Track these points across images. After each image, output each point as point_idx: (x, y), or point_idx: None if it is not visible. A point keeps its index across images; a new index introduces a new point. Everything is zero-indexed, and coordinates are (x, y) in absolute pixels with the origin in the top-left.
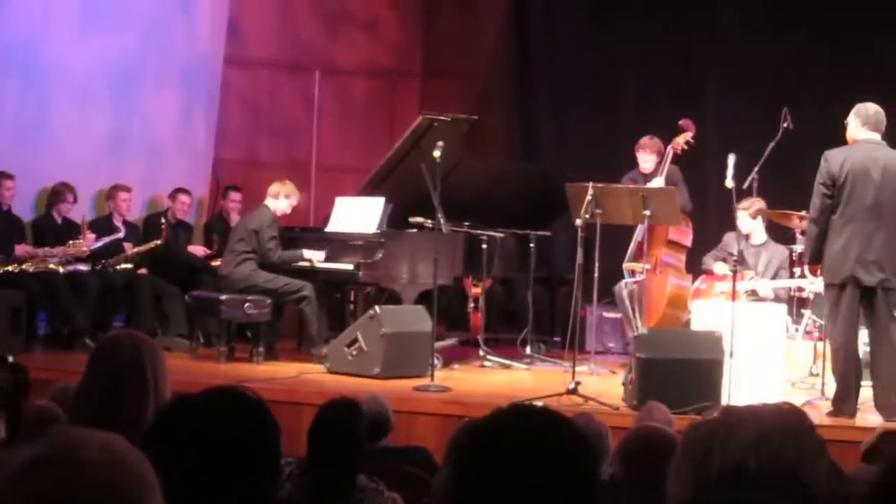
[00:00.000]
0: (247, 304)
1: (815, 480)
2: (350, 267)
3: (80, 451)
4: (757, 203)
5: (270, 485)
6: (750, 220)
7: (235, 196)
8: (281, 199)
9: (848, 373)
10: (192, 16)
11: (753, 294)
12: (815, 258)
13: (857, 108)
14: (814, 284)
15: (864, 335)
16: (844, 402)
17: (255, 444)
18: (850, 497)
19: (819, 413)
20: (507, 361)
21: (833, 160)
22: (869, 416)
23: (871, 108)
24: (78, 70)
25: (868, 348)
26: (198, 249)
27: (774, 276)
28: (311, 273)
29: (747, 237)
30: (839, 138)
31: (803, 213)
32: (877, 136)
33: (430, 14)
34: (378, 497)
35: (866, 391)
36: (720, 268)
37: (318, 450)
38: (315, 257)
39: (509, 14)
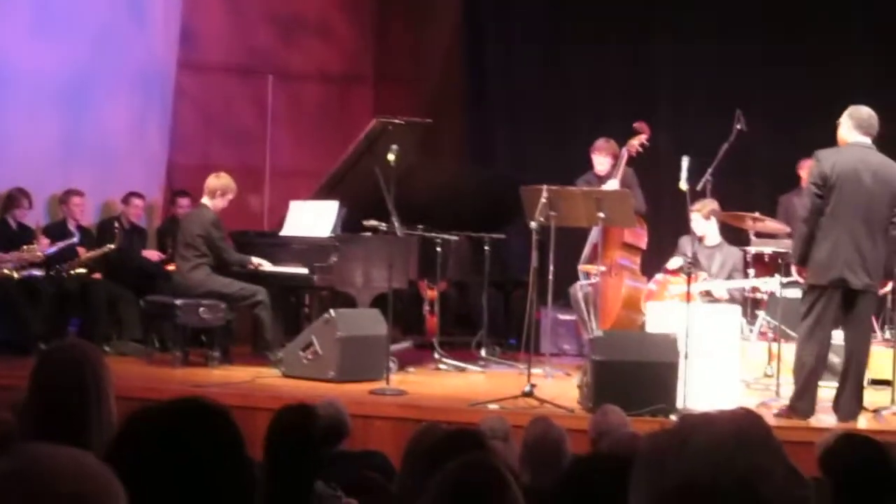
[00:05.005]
0: (202, 309)
1: (770, 486)
2: (305, 271)
3: (48, 465)
4: (710, 204)
5: (240, 496)
6: (703, 221)
7: (184, 202)
8: (218, 199)
9: (815, 373)
10: (145, 21)
11: (708, 295)
12: (802, 259)
13: (850, 110)
14: (767, 285)
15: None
16: (801, 401)
17: (221, 456)
18: (809, 499)
19: (771, 414)
20: (463, 364)
21: (825, 160)
22: (824, 417)
23: (865, 112)
24: (29, 75)
25: (839, 349)
26: (152, 254)
27: (728, 278)
28: (266, 277)
29: (701, 239)
30: (792, 141)
31: (756, 214)
32: (867, 140)
33: (383, 19)
34: (336, 503)
35: (822, 392)
36: (673, 262)
37: (274, 456)
38: (264, 263)
39: (462, 19)
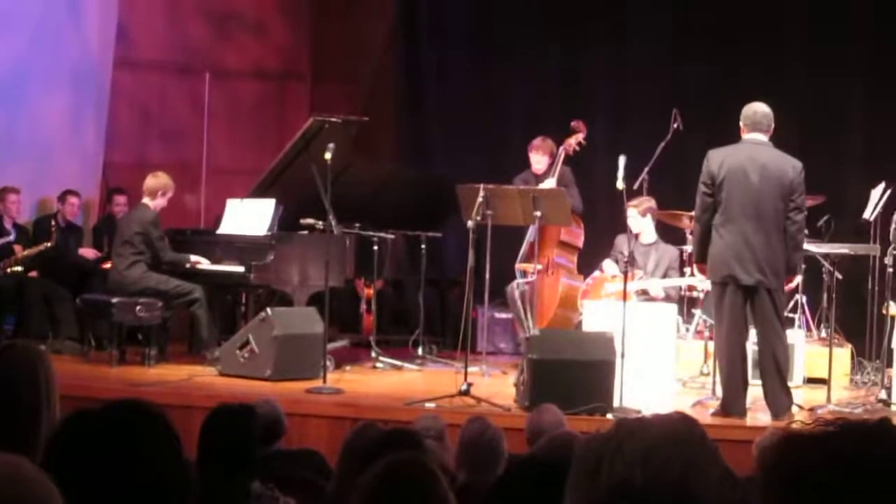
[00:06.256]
0: (138, 308)
1: (705, 489)
2: (241, 269)
3: None
4: (646, 202)
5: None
6: (640, 218)
7: (120, 199)
8: (159, 198)
9: (733, 372)
10: (81, 18)
11: (644, 294)
12: (701, 257)
13: (743, 109)
14: (704, 283)
15: (752, 334)
16: (733, 402)
17: (158, 460)
18: (744, 500)
19: (708, 413)
20: (399, 363)
21: (713, 160)
22: (760, 416)
23: (751, 109)
24: None
25: (756, 347)
26: (88, 252)
27: (664, 276)
28: (202, 275)
29: (637, 236)
30: (728, 139)
31: (692, 213)
32: (759, 136)
33: (318, 17)
34: (273, 503)
35: (757, 390)
36: (608, 267)
37: (209, 455)
38: (202, 261)
39: (397, 17)
